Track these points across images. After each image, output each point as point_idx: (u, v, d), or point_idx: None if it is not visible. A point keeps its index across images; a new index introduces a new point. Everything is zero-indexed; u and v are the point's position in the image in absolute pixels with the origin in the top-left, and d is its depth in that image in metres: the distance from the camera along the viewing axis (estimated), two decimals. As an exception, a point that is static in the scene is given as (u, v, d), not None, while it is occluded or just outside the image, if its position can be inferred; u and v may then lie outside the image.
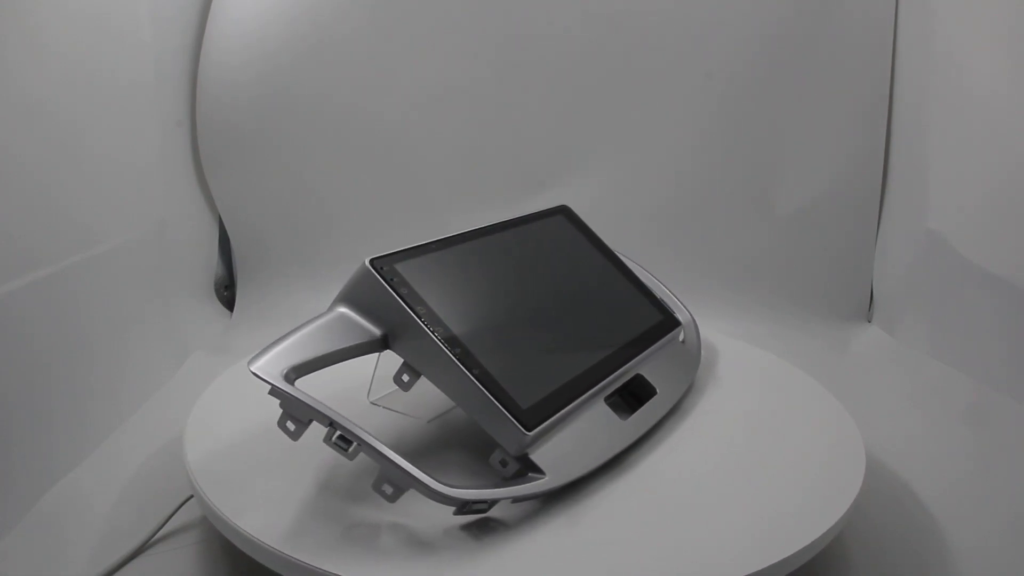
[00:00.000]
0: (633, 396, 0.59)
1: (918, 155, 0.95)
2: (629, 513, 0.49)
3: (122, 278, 0.80)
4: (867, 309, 1.04)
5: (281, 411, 0.46)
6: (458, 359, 0.48)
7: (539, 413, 0.49)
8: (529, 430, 0.48)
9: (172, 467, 0.60)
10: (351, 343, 0.48)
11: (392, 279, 0.49)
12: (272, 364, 0.45)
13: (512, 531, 0.47)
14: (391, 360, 0.51)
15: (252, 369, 0.45)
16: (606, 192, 1.08)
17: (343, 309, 0.50)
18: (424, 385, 0.50)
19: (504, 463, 0.49)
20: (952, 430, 0.75)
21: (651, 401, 0.59)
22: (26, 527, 0.58)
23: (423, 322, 0.48)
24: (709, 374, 0.69)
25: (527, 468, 0.49)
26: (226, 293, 1.10)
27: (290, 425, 0.46)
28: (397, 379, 0.50)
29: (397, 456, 0.44)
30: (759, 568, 0.44)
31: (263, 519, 0.47)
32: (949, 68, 0.89)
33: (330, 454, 0.55)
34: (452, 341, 0.49)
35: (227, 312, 1.06)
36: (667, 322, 0.67)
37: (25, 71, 0.67)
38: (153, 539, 0.56)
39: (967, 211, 0.85)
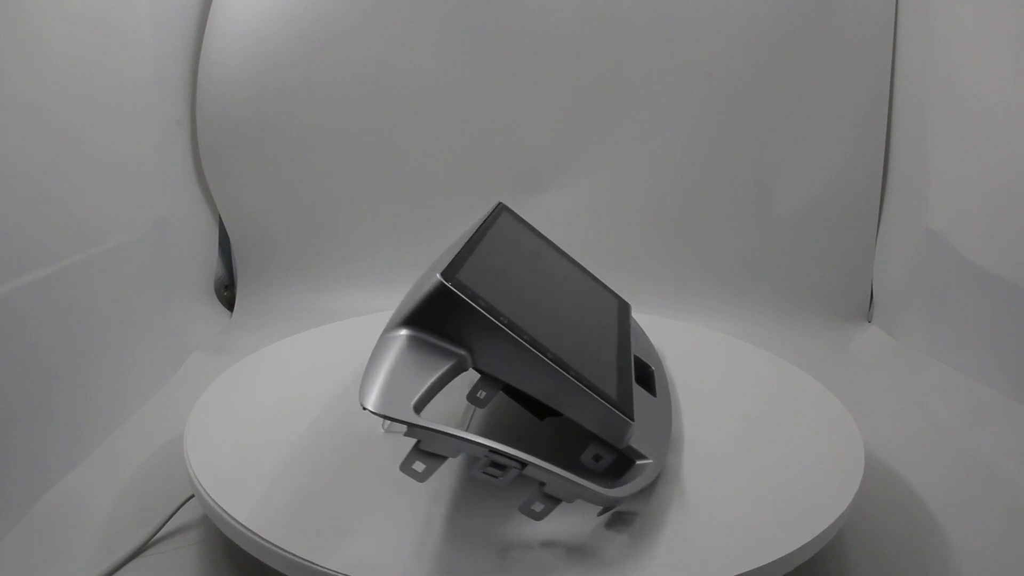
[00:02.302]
0: (640, 374, 0.60)
1: (918, 155, 0.95)
2: (629, 512, 0.49)
3: (122, 278, 0.80)
4: (867, 309, 1.04)
5: (410, 452, 0.42)
6: (555, 363, 0.47)
7: (626, 402, 0.50)
8: (632, 420, 0.48)
9: (172, 467, 0.60)
10: (443, 368, 0.45)
11: (467, 293, 0.46)
12: (394, 402, 0.41)
13: (514, 529, 0.47)
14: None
15: (374, 410, 0.40)
16: (606, 192, 1.08)
17: (413, 333, 0.45)
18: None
19: (598, 458, 0.48)
20: (952, 430, 0.75)
21: (656, 377, 0.61)
22: (25, 527, 0.58)
23: (513, 332, 0.46)
24: (709, 374, 0.69)
25: (622, 459, 0.49)
26: (226, 293, 1.10)
27: (418, 466, 0.42)
28: (472, 397, 0.47)
29: (566, 472, 0.43)
30: (758, 566, 0.44)
31: (264, 518, 0.47)
32: (949, 68, 0.89)
33: (330, 453, 0.55)
34: (539, 346, 0.47)
35: (227, 312, 1.06)
36: (623, 305, 0.69)
37: (25, 71, 0.67)
38: (153, 539, 0.56)
39: (967, 211, 0.85)
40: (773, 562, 0.44)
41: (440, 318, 0.45)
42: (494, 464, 0.42)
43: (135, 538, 0.55)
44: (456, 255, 0.50)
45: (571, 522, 0.47)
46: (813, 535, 0.46)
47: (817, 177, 1.03)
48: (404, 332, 0.45)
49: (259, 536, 0.45)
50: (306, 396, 0.64)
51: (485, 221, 0.60)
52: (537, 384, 0.47)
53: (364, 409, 0.40)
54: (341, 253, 1.09)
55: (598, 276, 0.72)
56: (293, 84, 1.03)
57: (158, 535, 0.57)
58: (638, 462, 0.50)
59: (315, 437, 0.58)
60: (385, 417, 0.40)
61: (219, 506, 0.48)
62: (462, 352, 0.46)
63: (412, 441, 0.42)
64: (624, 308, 0.68)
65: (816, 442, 0.58)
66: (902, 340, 0.94)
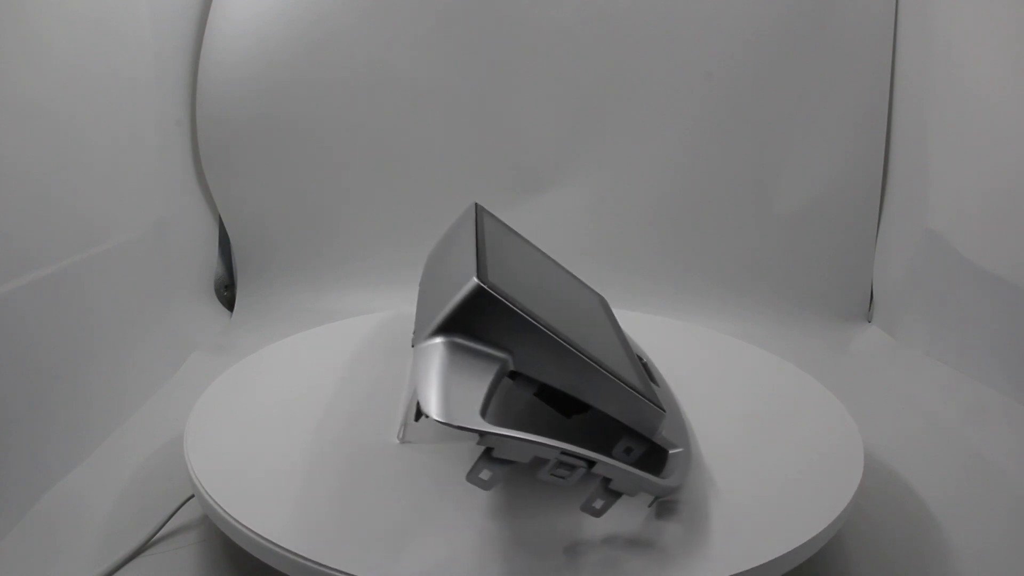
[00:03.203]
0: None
1: (918, 155, 0.95)
2: (628, 510, 0.49)
3: (122, 278, 0.80)
4: (867, 309, 1.04)
5: (478, 461, 0.41)
6: (593, 361, 0.47)
7: (652, 394, 0.50)
8: (664, 411, 0.49)
9: (172, 467, 0.60)
10: (493, 372, 0.44)
11: (504, 295, 0.45)
12: (461, 411, 0.40)
13: (514, 527, 0.47)
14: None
15: (444, 420, 0.39)
16: (606, 192, 1.08)
17: (453, 339, 0.44)
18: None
19: (629, 450, 0.48)
20: (952, 430, 0.75)
21: (650, 366, 0.61)
22: (25, 527, 0.58)
23: (552, 332, 0.46)
24: (709, 374, 0.69)
25: (652, 450, 0.50)
26: (226, 293, 1.10)
27: (485, 474, 0.41)
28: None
29: (633, 468, 0.44)
30: (756, 565, 0.44)
31: (264, 518, 0.47)
32: (949, 68, 0.89)
33: (330, 453, 0.55)
34: (575, 345, 0.47)
35: (227, 312, 1.06)
36: (602, 299, 0.69)
37: (25, 71, 0.67)
38: (153, 539, 0.56)
39: (967, 211, 0.85)
40: (771, 561, 0.44)
41: (480, 322, 0.45)
42: (562, 465, 0.42)
43: (135, 538, 0.55)
44: (475, 258, 0.49)
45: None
46: (811, 535, 0.46)
47: (817, 177, 1.03)
48: (443, 339, 0.44)
49: (259, 536, 0.45)
50: (306, 396, 0.64)
51: (477, 223, 0.61)
52: (575, 382, 0.47)
53: (438, 421, 0.39)
54: (341, 253, 1.09)
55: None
56: (293, 84, 1.03)
57: (158, 535, 0.57)
58: (671, 451, 0.51)
59: (315, 437, 0.58)
60: (457, 428, 0.39)
61: (219, 506, 0.48)
62: (503, 355, 0.45)
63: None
64: (604, 302, 0.68)
65: (816, 442, 0.58)
66: (902, 340, 0.94)
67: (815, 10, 0.99)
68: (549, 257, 0.69)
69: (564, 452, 0.41)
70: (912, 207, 0.95)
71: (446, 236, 0.63)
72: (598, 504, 0.44)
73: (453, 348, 0.44)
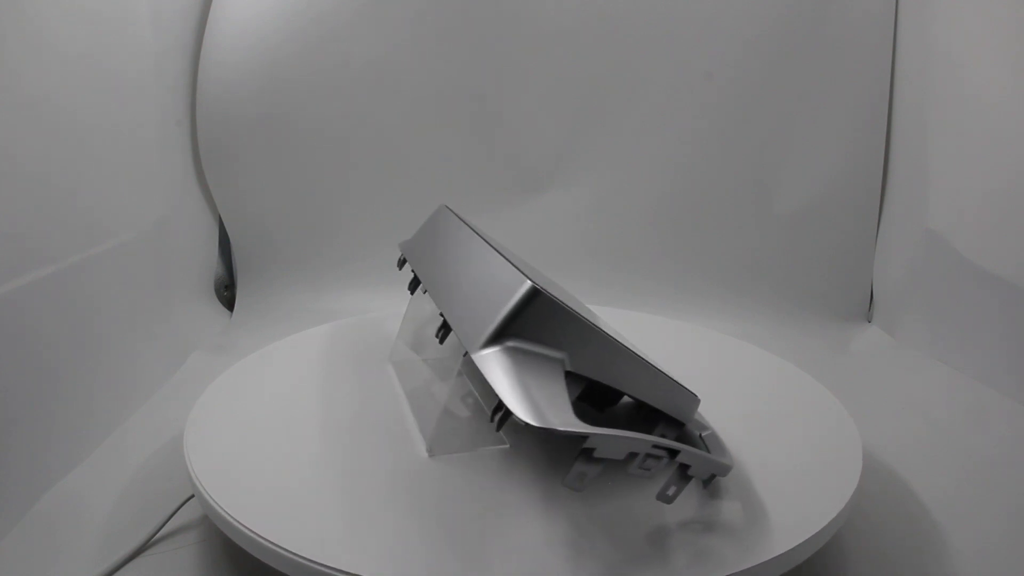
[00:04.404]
0: None
1: (918, 155, 0.95)
2: (628, 509, 0.49)
3: (122, 278, 0.80)
4: (867, 309, 1.04)
5: (578, 463, 0.41)
6: (636, 354, 0.48)
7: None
8: (698, 397, 0.52)
9: (172, 467, 0.60)
10: (560, 374, 0.45)
11: (556, 297, 0.46)
12: (556, 415, 0.41)
13: (515, 522, 0.47)
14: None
15: (546, 426, 0.40)
16: (606, 193, 1.08)
17: (512, 344, 0.45)
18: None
19: (663, 436, 0.50)
20: (952, 430, 0.75)
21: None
22: (25, 527, 0.58)
23: (601, 329, 0.47)
24: (709, 374, 0.69)
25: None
26: (226, 293, 1.10)
27: (587, 473, 0.42)
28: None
29: (707, 454, 0.46)
30: (754, 564, 0.44)
31: (264, 518, 0.47)
32: (949, 68, 0.89)
33: (329, 452, 0.55)
34: (618, 341, 0.48)
35: (227, 312, 1.06)
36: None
37: (25, 71, 0.67)
38: (153, 539, 0.56)
39: (967, 211, 0.85)
40: (769, 561, 0.45)
41: (535, 325, 0.45)
42: (651, 457, 0.43)
43: (135, 538, 0.55)
44: (508, 262, 0.49)
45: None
46: (809, 535, 0.47)
47: (817, 177, 1.03)
48: (504, 345, 0.44)
49: (259, 536, 0.45)
50: (306, 396, 0.64)
51: (471, 227, 0.61)
52: (620, 376, 0.48)
53: (544, 428, 0.40)
54: (341, 253, 1.09)
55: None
56: (293, 84, 1.03)
57: (158, 535, 0.57)
58: (703, 433, 0.53)
59: (315, 437, 0.58)
60: (562, 432, 0.40)
61: (219, 506, 0.48)
62: (560, 355, 0.46)
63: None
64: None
65: (814, 442, 0.58)
66: (902, 340, 0.94)
67: (815, 10, 0.99)
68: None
69: (655, 445, 0.43)
70: (912, 207, 0.95)
71: (430, 241, 0.63)
72: (671, 491, 0.46)
73: (516, 353, 0.44)
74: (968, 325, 0.84)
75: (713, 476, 0.48)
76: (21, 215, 0.65)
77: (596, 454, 0.41)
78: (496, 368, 0.43)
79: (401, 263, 0.66)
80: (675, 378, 0.51)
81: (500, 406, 0.41)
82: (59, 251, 0.69)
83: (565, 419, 0.41)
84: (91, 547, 0.56)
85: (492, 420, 0.42)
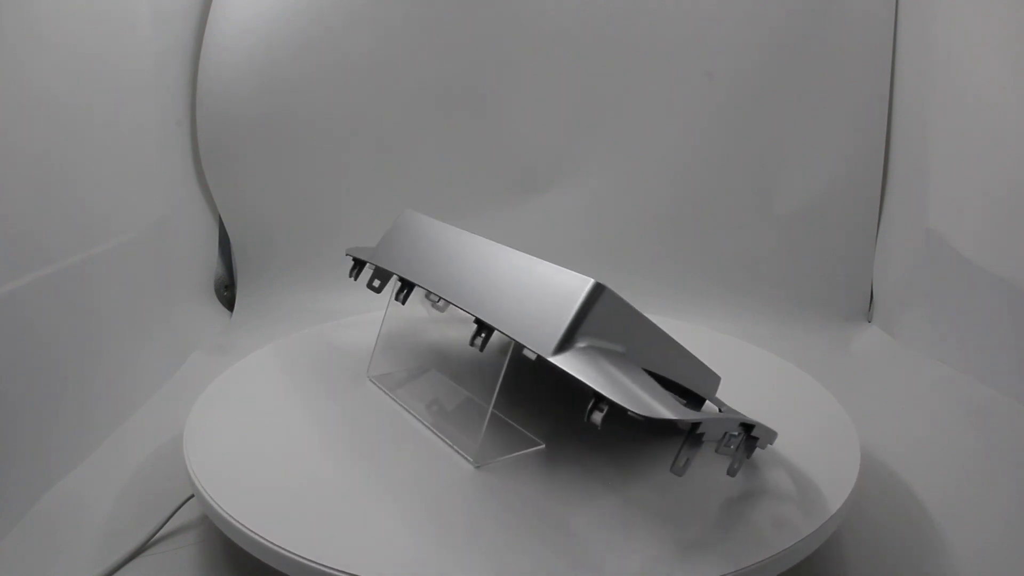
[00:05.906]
0: None
1: (918, 155, 0.95)
2: (627, 508, 0.49)
3: (122, 278, 0.80)
4: (867, 309, 1.04)
5: (683, 448, 0.44)
6: (678, 342, 0.51)
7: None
8: (719, 376, 0.55)
9: (172, 467, 0.60)
10: (636, 367, 0.46)
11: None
12: (667, 407, 0.41)
13: (516, 521, 0.47)
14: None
15: (675, 416, 0.40)
16: (607, 193, 1.08)
17: (584, 343, 0.46)
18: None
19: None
20: (952, 430, 0.75)
21: None
22: (25, 527, 0.58)
23: (651, 321, 0.49)
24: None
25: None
26: (226, 293, 1.10)
27: (691, 455, 0.44)
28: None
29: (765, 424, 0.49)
30: (752, 563, 0.44)
31: (263, 518, 0.47)
32: (949, 68, 0.89)
33: (329, 452, 0.55)
34: (659, 329, 0.50)
35: (227, 312, 1.06)
36: None
37: (26, 71, 0.67)
38: (153, 539, 0.56)
39: (967, 211, 0.85)
40: (766, 560, 0.45)
41: (603, 320, 0.46)
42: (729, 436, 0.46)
43: (135, 538, 0.56)
44: (547, 263, 0.50)
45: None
46: (806, 535, 0.47)
47: (817, 177, 1.03)
48: (578, 344, 0.45)
49: (259, 536, 0.45)
50: (305, 396, 0.64)
51: (463, 230, 0.61)
52: (669, 364, 0.51)
53: (667, 420, 0.41)
54: (341, 253, 1.09)
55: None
56: (293, 84, 1.03)
57: (158, 535, 0.57)
58: (722, 408, 0.57)
59: (314, 436, 0.58)
60: (679, 420, 0.41)
61: (219, 506, 0.48)
62: (621, 348, 0.47)
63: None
64: None
65: (813, 443, 0.58)
66: (902, 340, 0.94)
67: (815, 11, 0.99)
68: None
69: (741, 424, 0.46)
70: (912, 207, 0.95)
71: (418, 247, 0.62)
72: (736, 465, 0.48)
73: (591, 351, 0.45)
74: (968, 325, 0.84)
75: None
76: (21, 215, 0.65)
77: (707, 438, 0.44)
78: (584, 367, 0.44)
79: (354, 272, 0.66)
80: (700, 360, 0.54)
81: (596, 404, 0.42)
82: (59, 251, 0.69)
83: (673, 407, 0.42)
84: (91, 547, 0.56)
85: (587, 420, 0.42)
